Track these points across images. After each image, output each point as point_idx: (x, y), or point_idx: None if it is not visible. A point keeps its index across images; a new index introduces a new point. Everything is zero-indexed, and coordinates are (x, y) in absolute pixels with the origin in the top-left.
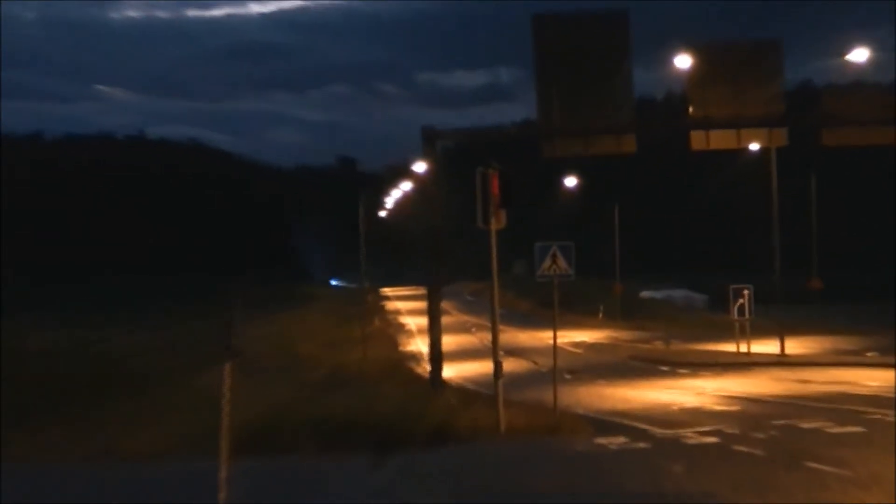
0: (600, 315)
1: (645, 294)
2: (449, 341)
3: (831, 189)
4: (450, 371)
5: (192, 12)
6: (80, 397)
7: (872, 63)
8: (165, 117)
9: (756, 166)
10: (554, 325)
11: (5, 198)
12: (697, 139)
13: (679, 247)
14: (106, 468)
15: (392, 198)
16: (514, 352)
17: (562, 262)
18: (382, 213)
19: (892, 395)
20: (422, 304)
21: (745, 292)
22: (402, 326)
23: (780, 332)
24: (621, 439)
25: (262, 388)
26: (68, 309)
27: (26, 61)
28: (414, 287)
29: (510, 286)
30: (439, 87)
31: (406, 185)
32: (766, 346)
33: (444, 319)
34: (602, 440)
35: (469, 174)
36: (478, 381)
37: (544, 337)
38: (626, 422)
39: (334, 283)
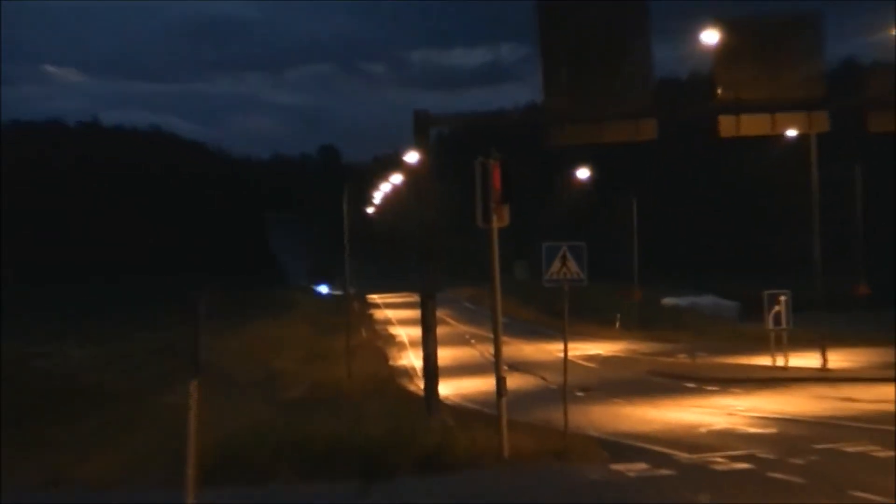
0: (617, 325)
1: (667, 301)
2: (445, 355)
3: (879, 181)
4: (447, 388)
5: None
6: (27, 417)
7: None
8: (122, 101)
9: (793, 155)
10: (564, 336)
11: None
12: (726, 125)
13: (705, 248)
14: (56, 497)
15: (381, 192)
16: (520, 366)
17: (573, 265)
18: (370, 210)
19: None
20: (414, 313)
21: (782, 298)
22: (392, 338)
23: (822, 344)
24: (641, 466)
25: (234, 408)
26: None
27: None
28: (405, 294)
29: (511, 291)
30: (434, 67)
31: (396, 179)
32: (806, 360)
33: (440, 330)
34: (619, 467)
35: (467, 165)
36: (478, 400)
37: (553, 349)
38: (646, 445)
39: (322, 290)
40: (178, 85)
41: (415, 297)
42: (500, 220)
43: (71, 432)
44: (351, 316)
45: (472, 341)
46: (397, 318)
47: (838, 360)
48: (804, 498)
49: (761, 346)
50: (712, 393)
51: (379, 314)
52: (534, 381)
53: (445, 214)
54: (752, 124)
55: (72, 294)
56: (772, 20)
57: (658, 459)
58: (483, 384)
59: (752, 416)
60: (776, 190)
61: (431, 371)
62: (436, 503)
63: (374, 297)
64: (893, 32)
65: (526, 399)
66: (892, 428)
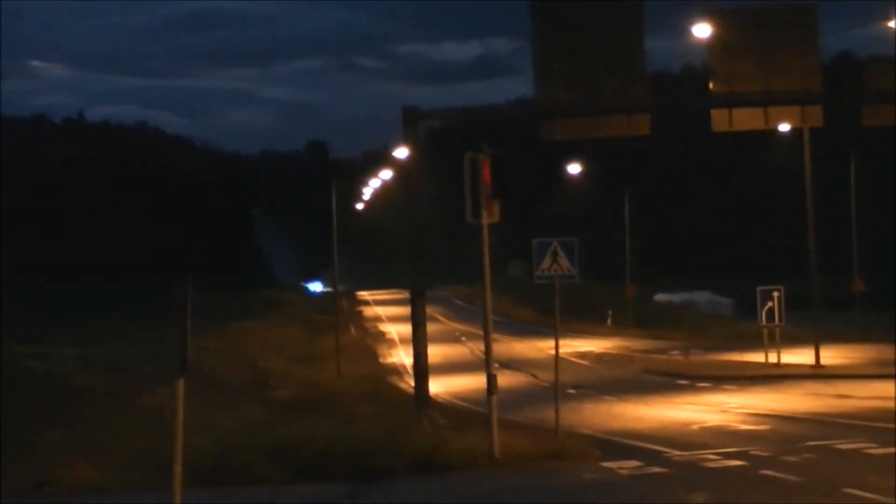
0: (609, 322)
1: (661, 298)
2: (436, 352)
3: (874, 176)
4: (437, 386)
5: None
6: (9, 420)
7: None
8: (109, 97)
9: (787, 151)
10: (555, 333)
11: None
12: (719, 119)
13: (700, 244)
14: (46, 499)
15: (370, 188)
16: (511, 364)
17: (564, 262)
18: (359, 206)
19: None
20: (404, 310)
21: (775, 294)
22: (382, 335)
23: (816, 341)
24: (633, 463)
25: (222, 410)
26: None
27: None
28: (396, 290)
29: (505, 290)
30: (425, 61)
31: (386, 174)
32: (800, 357)
33: (431, 327)
34: (611, 465)
35: (459, 161)
36: (469, 398)
37: (545, 347)
38: (638, 443)
39: (315, 288)
40: (166, 80)
41: (405, 294)
42: (490, 215)
43: (62, 434)
44: (341, 314)
45: (464, 339)
46: (387, 314)
47: (832, 357)
48: (798, 496)
49: (755, 343)
50: (705, 390)
51: (369, 311)
52: (525, 379)
53: (440, 211)
54: (745, 119)
55: (61, 294)
56: (766, 12)
57: (651, 457)
58: (474, 382)
59: (746, 414)
60: (772, 187)
61: (422, 370)
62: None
63: (364, 294)
64: (892, 25)
65: (518, 397)
66: (886, 425)
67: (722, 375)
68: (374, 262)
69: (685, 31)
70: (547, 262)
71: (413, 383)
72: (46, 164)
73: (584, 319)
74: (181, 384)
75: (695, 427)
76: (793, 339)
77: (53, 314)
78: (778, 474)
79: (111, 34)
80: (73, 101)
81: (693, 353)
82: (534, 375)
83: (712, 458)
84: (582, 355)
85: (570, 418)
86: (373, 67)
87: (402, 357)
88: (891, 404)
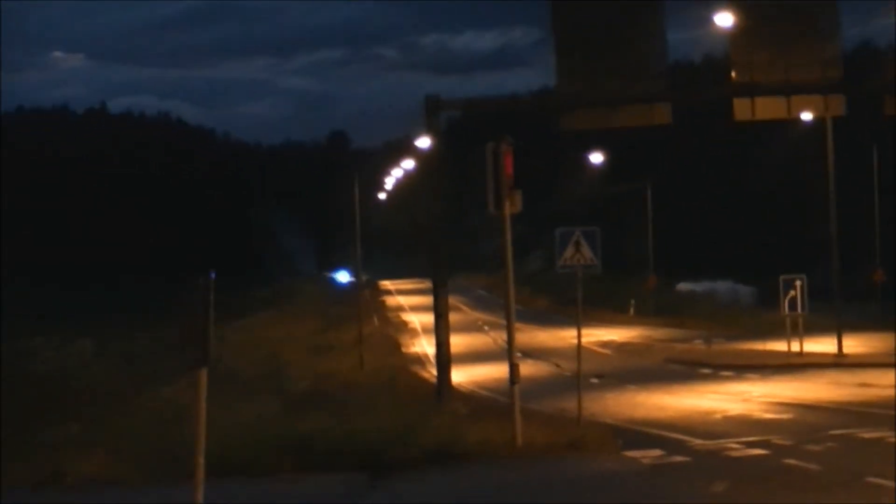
0: (631, 311)
1: (682, 287)
2: (458, 342)
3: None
4: (460, 375)
5: None
6: (21, 415)
7: None
8: (127, 87)
9: (810, 140)
10: (578, 322)
11: None
12: (741, 108)
13: (722, 234)
14: (53, 496)
15: (392, 178)
16: (533, 353)
17: (586, 251)
18: (381, 196)
19: None
20: (427, 300)
21: (798, 283)
22: (405, 325)
23: (838, 329)
24: (656, 452)
25: (238, 401)
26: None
27: None
28: (418, 280)
29: (526, 282)
30: (445, 51)
31: (408, 164)
32: (822, 346)
33: (453, 317)
34: (634, 454)
35: (472, 151)
36: (491, 387)
37: (567, 336)
38: (661, 432)
39: (342, 278)
40: (185, 70)
41: (426, 283)
42: (512, 206)
43: (67, 430)
44: (363, 304)
45: (486, 328)
46: (410, 304)
47: (855, 346)
48: (820, 485)
49: (777, 332)
50: (728, 379)
51: (391, 301)
52: (547, 369)
53: (461, 201)
54: (768, 108)
55: (71, 292)
56: (787, 2)
57: (673, 446)
58: (496, 371)
59: (768, 402)
60: (795, 176)
61: (444, 360)
62: (447, 496)
63: (387, 284)
64: None
65: (540, 386)
66: None
67: (744, 364)
68: (397, 252)
69: (706, 20)
70: (569, 251)
71: (435, 373)
72: (71, 155)
73: (606, 309)
74: (203, 375)
75: (717, 416)
76: (815, 329)
77: (54, 314)
78: (800, 463)
79: (130, 25)
80: (91, 93)
81: (715, 342)
82: (557, 364)
83: (734, 447)
84: (604, 344)
85: (593, 407)
86: (392, 58)
87: (425, 346)
88: None
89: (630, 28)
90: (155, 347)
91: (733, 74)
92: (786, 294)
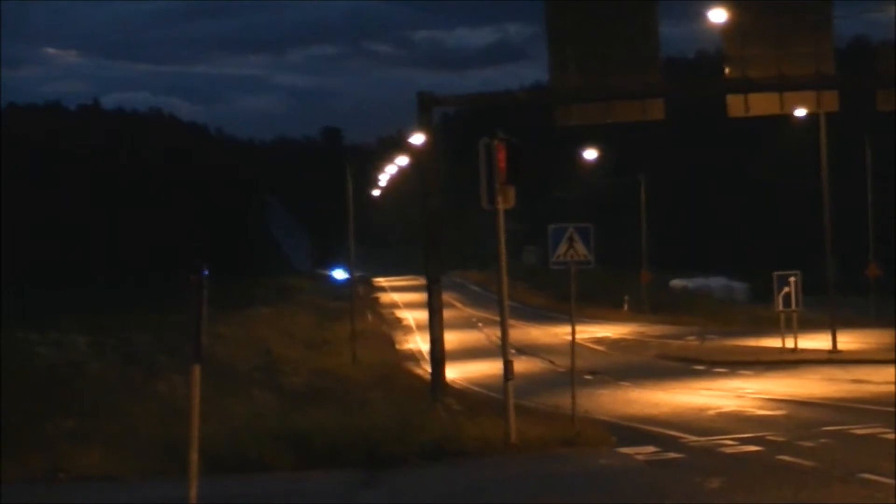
0: (625, 307)
1: (676, 283)
2: (452, 338)
3: (890, 160)
4: (454, 372)
5: None
6: (20, 409)
7: None
8: (121, 83)
9: (804, 135)
10: (571, 319)
11: None
12: (735, 104)
13: (714, 230)
14: (56, 489)
15: (386, 174)
16: (527, 350)
17: (580, 247)
18: (375, 192)
19: None
20: (421, 296)
21: (792, 279)
22: (399, 321)
23: (832, 326)
24: (650, 449)
25: (234, 397)
26: None
27: None
28: (412, 277)
29: (521, 277)
30: (440, 47)
31: (402, 161)
32: (816, 342)
33: (447, 313)
34: (628, 450)
35: (474, 147)
36: (485, 384)
37: (560, 333)
38: (654, 429)
39: (338, 275)
40: (178, 66)
41: (421, 280)
42: (505, 201)
43: (75, 422)
44: (356, 300)
45: (480, 325)
46: (404, 301)
47: (849, 342)
48: (814, 481)
49: (771, 328)
50: (721, 375)
51: (385, 297)
52: (541, 365)
53: (452, 196)
54: (761, 104)
55: (67, 288)
56: None
57: (667, 443)
58: (490, 368)
59: (762, 399)
60: (789, 172)
61: (438, 357)
62: (444, 492)
63: (381, 281)
64: None
65: (534, 383)
66: None
67: (738, 361)
68: (390, 248)
69: (700, 17)
70: (563, 247)
71: (429, 369)
72: (64, 150)
73: (599, 305)
74: (196, 371)
75: (711, 412)
76: (809, 325)
77: (49, 310)
78: (794, 459)
79: (123, 21)
80: (84, 89)
81: (709, 339)
82: (550, 361)
83: (728, 444)
84: (598, 341)
85: (587, 404)
86: (386, 53)
87: (419, 343)
88: None
89: (624, 23)
90: (153, 343)
91: (727, 70)
92: (780, 290)
